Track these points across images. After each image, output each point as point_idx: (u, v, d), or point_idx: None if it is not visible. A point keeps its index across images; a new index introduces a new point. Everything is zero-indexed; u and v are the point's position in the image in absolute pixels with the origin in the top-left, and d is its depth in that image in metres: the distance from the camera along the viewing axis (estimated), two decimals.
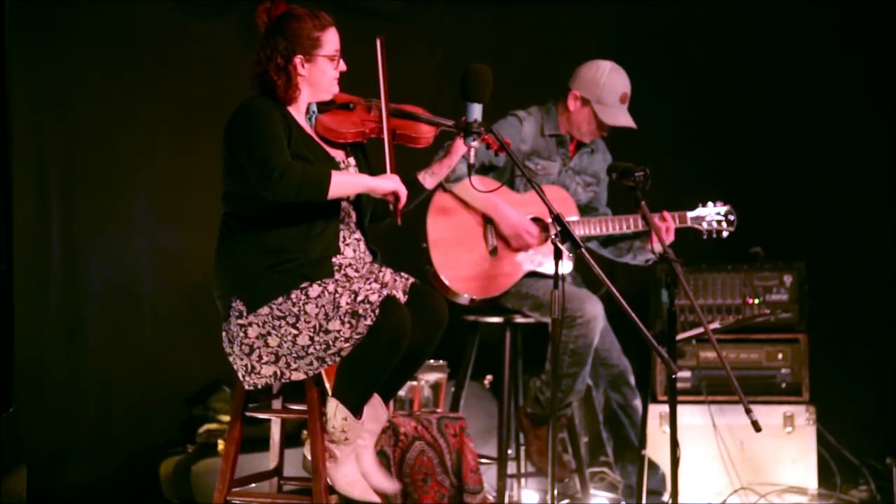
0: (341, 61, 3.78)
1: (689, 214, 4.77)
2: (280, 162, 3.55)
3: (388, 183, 3.71)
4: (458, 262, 4.69)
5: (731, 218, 4.79)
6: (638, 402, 5.00)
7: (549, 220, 4.69)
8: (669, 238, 4.65)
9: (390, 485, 3.84)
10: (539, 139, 4.84)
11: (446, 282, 4.65)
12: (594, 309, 4.63)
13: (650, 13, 6.04)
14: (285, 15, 3.71)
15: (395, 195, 3.71)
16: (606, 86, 4.78)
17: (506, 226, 4.69)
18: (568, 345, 4.61)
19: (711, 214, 4.78)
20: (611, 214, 4.96)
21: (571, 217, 4.77)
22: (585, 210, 4.94)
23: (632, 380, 5.01)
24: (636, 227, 4.76)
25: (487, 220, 4.74)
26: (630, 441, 5.01)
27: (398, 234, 4.49)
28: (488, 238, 4.72)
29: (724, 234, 4.80)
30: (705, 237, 4.80)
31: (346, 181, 3.67)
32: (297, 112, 3.76)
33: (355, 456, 3.74)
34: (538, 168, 4.81)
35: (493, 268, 4.71)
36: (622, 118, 4.81)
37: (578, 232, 4.71)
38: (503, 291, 4.72)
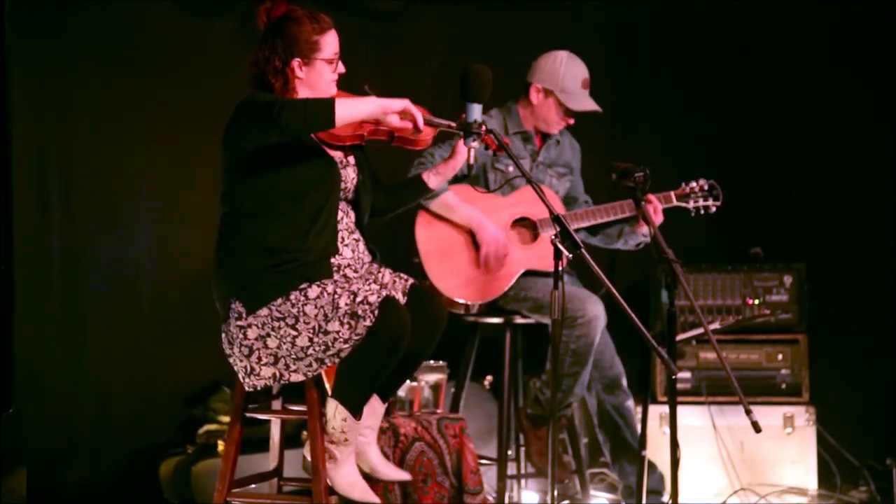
0: (340, 63, 3.77)
1: (674, 194, 4.76)
2: (279, 99, 3.53)
3: (398, 101, 3.62)
4: (452, 270, 4.68)
5: (716, 192, 4.77)
6: (630, 403, 4.99)
7: (540, 219, 4.71)
8: (659, 219, 4.64)
9: (402, 474, 3.85)
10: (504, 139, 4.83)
11: (443, 291, 4.63)
12: (595, 309, 4.63)
13: (650, 13, 6.04)
14: (285, 17, 3.70)
15: (408, 113, 3.64)
16: (567, 74, 4.79)
17: (482, 236, 4.67)
18: (569, 344, 4.61)
19: (696, 191, 4.76)
20: (591, 202, 4.97)
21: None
22: (566, 202, 4.94)
23: (624, 382, 5.00)
24: (622, 214, 4.75)
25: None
26: (626, 442, 5.00)
27: (397, 235, 4.51)
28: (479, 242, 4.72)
29: (712, 209, 4.77)
30: (693, 215, 4.77)
31: (354, 102, 3.57)
32: None
33: (360, 454, 3.74)
34: (508, 168, 4.81)
35: (488, 271, 4.70)
36: (587, 103, 4.83)
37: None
38: (502, 294, 4.72)
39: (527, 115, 4.88)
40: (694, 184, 4.77)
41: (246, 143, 3.60)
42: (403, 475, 3.86)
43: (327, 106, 3.49)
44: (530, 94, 4.85)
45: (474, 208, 4.68)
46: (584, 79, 4.83)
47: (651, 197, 4.67)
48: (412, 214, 4.65)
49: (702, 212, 4.77)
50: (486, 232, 4.66)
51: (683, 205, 4.75)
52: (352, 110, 3.54)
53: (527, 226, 4.78)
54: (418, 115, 3.66)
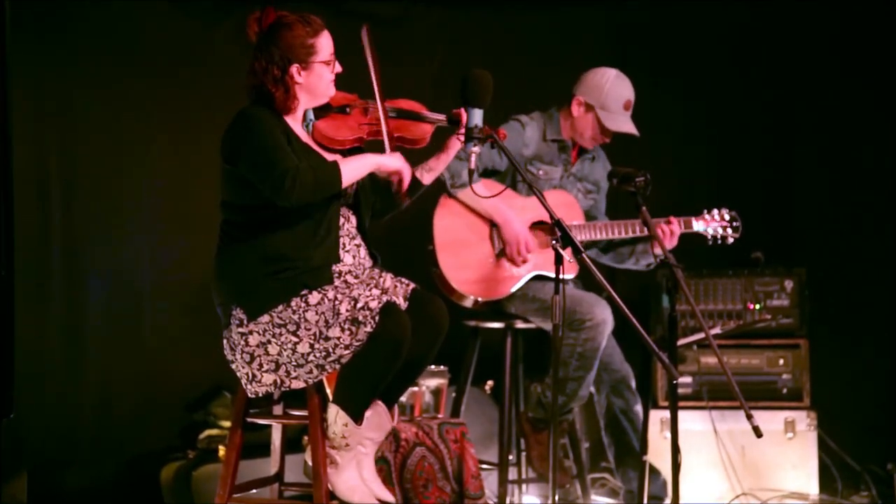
0: (336, 63, 3.76)
1: (695, 221, 4.79)
2: (288, 167, 3.53)
3: (394, 161, 3.73)
4: (465, 264, 4.69)
5: (736, 224, 4.82)
6: (639, 408, 5.00)
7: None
8: (673, 242, 4.66)
9: (388, 495, 3.83)
10: (541, 144, 4.85)
11: (453, 284, 4.66)
12: (603, 313, 4.63)
13: (650, 17, 6.03)
14: (277, 24, 3.67)
15: (399, 174, 3.72)
16: (611, 93, 4.79)
17: (507, 232, 4.69)
18: (575, 348, 4.61)
19: (717, 220, 4.80)
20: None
21: (576, 221, 4.78)
22: (584, 218, 4.94)
23: (633, 385, 5.01)
24: (638, 233, 4.76)
25: (493, 223, 4.74)
26: (632, 446, 5.01)
27: (399, 238, 4.50)
28: (495, 241, 4.72)
29: (730, 240, 4.82)
30: (710, 243, 4.82)
31: (356, 165, 3.67)
32: (294, 120, 3.74)
33: (356, 463, 3.73)
34: (540, 173, 4.82)
35: (500, 270, 4.71)
36: (625, 125, 4.82)
37: (582, 237, 4.73)
38: (509, 294, 4.72)
39: (566, 126, 4.88)
40: (716, 212, 4.82)
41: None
42: (389, 496, 3.83)
43: (335, 175, 3.60)
44: (572, 106, 4.85)
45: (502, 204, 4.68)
46: (627, 100, 4.82)
47: (672, 219, 4.70)
48: (431, 202, 4.63)
49: (719, 241, 4.80)
50: (510, 229, 4.67)
51: (702, 232, 4.79)
52: (354, 174, 3.68)
53: (544, 229, 4.78)
54: (407, 177, 3.77)
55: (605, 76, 4.82)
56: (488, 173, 4.77)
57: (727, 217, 4.82)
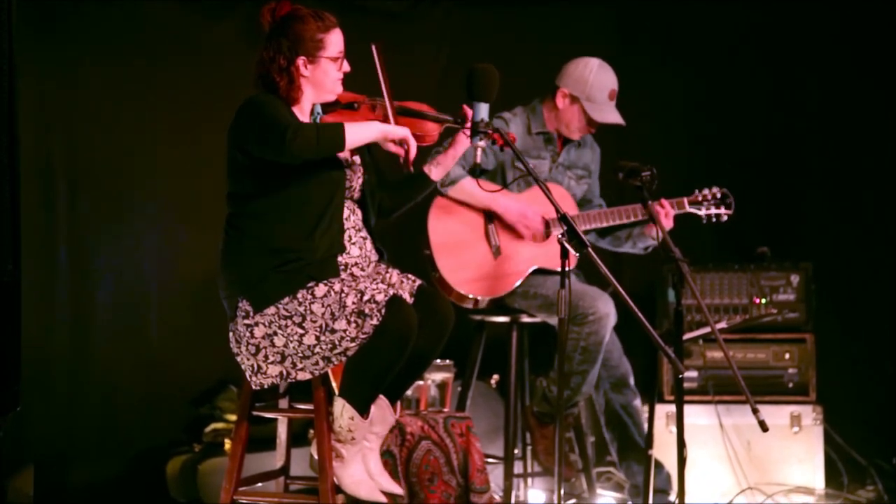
0: (345, 62, 3.77)
1: (687, 201, 4.77)
2: (291, 122, 3.55)
3: (400, 130, 3.72)
4: (463, 264, 4.68)
5: (729, 201, 4.78)
6: (638, 402, 5.00)
7: (552, 218, 4.71)
8: (669, 224, 4.64)
9: (396, 487, 3.84)
10: (526, 138, 4.84)
11: (453, 285, 4.64)
12: (606, 307, 4.63)
13: (653, 14, 6.03)
14: (289, 16, 3.71)
15: (406, 143, 3.72)
16: (595, 83, 4.78)
17: (510, 214, 4.68)
18: (579, 342, 4.61)
19: (709, 199, 4.77)
20: (605, 205, 4.97)
21: (570, 213, 4.77)
22: (581, 204, 4.94)
23: (632, 381, 5.01)
24: (634, 218, 4.75)
25: (489, 220, 4.73)
26: (634, 441, 5.01)
27: (402, 236, 4.51)
28: (491, 238, 4.72)
29: (724, 217, 4.79)
30: (704, 222, 4.79)
31: (361, 129, 3.65)
32: (301, 113, 3.75)
33: (361, 457, 3.73)
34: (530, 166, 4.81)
35: (499, 267, 4.70)
36: (611, 115, 4.81)
37: (579, 227, 4.71)
38: (510, 290, 4.72)
39: (550, 117, 4.87)
40: (707, 191, 4.78)
41: (252, 155, 3.61)
42: (397, 489, 3.84)
43: (338, 134, 3.57)
44: (556, 98, 4.83)
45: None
46: (611, 90, 4.81)
47: (664, 202, 4.68)
48: (425, 205, 4.64)
49: (713, 220, 4.78)
50: (511, 212, 4.67)
51: (695, 212, 4.77)
52: (358, 136, 3.63)
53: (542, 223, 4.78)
54: (413, 148, 3.73)
55: (588, 66, 4.81)
56: (476, 173, 4.76)
57: (719, 195, 4.79)
